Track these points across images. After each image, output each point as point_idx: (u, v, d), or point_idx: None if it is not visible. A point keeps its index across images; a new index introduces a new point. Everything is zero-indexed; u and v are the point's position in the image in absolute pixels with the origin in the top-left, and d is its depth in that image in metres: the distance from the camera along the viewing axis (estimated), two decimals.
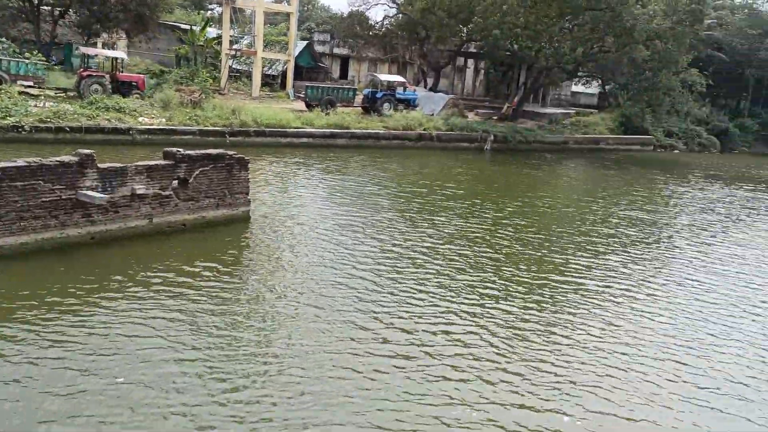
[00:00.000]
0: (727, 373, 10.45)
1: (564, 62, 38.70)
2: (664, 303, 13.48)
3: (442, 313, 11.76)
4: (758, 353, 11.34)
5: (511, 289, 13.38)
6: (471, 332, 11.04)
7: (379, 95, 37.15)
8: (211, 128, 28.53)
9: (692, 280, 15.28)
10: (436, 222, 18.30)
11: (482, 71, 55.13)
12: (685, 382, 10.02)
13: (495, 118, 41.42)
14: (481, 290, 13.09)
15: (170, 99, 29.87)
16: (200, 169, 15.33)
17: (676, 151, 47.18)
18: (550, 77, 44.01)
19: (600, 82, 54.73)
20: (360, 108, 37.37)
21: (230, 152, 16.24)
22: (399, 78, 41.08)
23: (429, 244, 15.95)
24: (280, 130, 30.47)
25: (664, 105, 42.29)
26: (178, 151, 15.12)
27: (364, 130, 33.04)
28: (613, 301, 13.26)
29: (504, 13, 35.86)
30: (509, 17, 35.85)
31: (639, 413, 8.96)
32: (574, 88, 61.62)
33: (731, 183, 33.06)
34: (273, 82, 45.41)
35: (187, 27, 46.41)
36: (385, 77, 40.02)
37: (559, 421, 8.58)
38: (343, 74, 56.77)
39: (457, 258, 15.07)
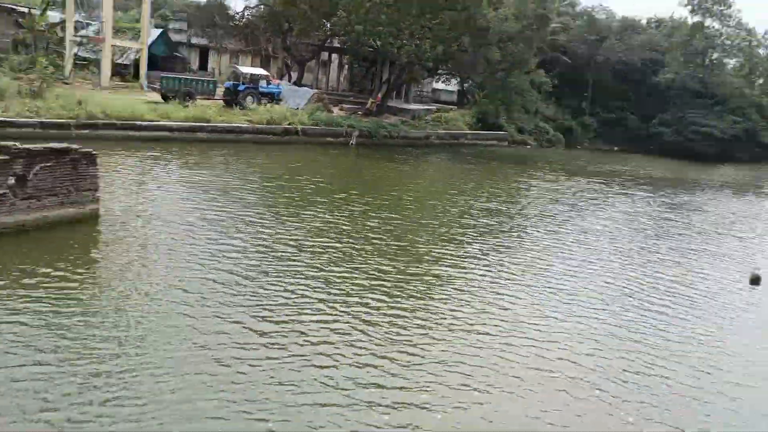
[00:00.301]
0: (574, 346, 11.40)
1: (425, 59, 40.04)
2: (520, 286, 14.44)
3: (313, 303, 11.77)
4: (603, 327, 12.49)
5: (379, 279, 13.65)
6: (341, 321, 11.16)
7: (241, 88, 36.16)
8: (54, 120, 26.19)
9: (545, 264, 16.49)
10: (304, 216, 18.21)
11: (346, 66, 55.51)
12: (537, 356, 10.81)
13: (360, 113, 41.92)
14: (350, 281, 13.23)
15: (6, 88, 27.08)
16: (41, 165, 14.01)
17: (528, 147, 50.49)
18: (412, 74, 45.33)
19: (459, 79, 57.26)
20: (221, 101, 36.19)
21: (75, 146, 15.01)
22: (262, 71, 40.27)
23: (297, 238, 15.84)
24: (132, 122, 28.61)
25: (516, 103, 45.11)
26: (14, 144, 13.70)
27: (226, 124, 31.98)
28: (475, 287, 13.97)
29: (367, 9, 36.37)
30: (372, 14, 36.43)
31: (495, 387, 9.58)
32: (435, 85, 64.10)
33: (574, 175, 35.99)
34: (125, 72, 42.71)
35: (26, 10, 42.36)
36: (247, 70, 39.05)
37: (426, 398, 8.91)
38: (203, 65, 54.67)
39: (325, 251, 15.10)
